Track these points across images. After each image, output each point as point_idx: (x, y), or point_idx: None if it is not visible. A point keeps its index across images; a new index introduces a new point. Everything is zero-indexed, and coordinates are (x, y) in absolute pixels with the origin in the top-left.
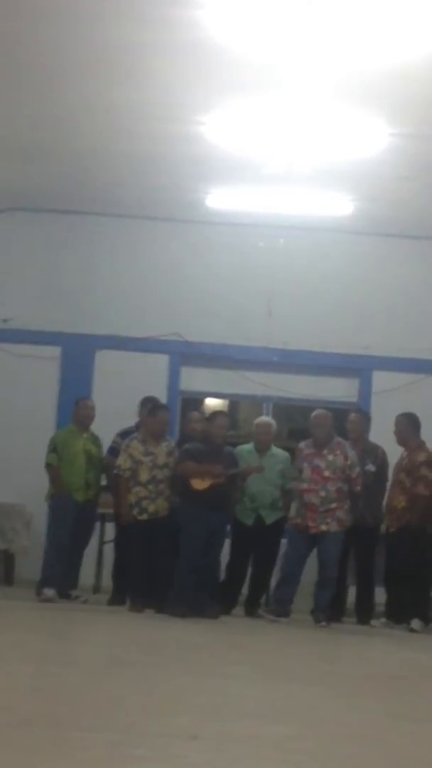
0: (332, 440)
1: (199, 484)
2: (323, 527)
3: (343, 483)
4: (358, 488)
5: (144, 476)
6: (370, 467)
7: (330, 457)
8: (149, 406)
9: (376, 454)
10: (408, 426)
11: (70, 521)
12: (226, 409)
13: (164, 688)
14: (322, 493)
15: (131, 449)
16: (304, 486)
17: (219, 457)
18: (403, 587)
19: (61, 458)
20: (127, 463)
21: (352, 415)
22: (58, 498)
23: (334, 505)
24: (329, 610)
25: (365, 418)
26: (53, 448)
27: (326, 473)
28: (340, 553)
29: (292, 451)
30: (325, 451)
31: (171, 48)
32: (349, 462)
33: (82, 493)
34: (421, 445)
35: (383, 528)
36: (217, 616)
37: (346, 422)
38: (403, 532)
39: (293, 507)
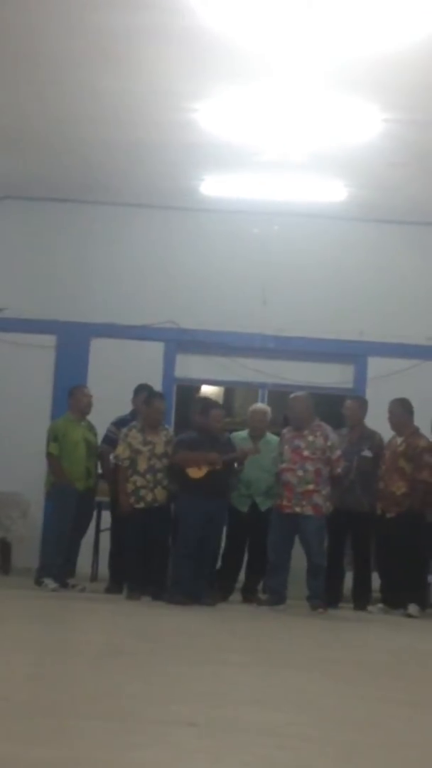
0: (313, 422)
1: (196, 472)
2: (297, 509)
3: (323, 465)
4: (339, 471)
5: (142, 465)
6: (367, 453)
7: (310, 438)
8: (144, 394)
9: (373, 440)
10: (402, 412)
11: (72, 510)
12: (221, 396)
13: (162, 676)
14: (300, 473)
15: (130, 438)
16: (283, 466)
17: (215, 445)
18: (399, 572)
19: (62, 447)
20: (126, 452)
21: (349, 402)
22: (60, 487)
23: (311, 487)
24: (325, 596)
25: (362, 404)
26: (54, 437)
27: (305, 453)
28: (323, 539)
29: None
30: (305, 432)
31: (165, 35)
32: (329, 443)
33: (82, 482)
34: (417, 431)
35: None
36: (214, 603)
37: (343, 408)
38: (402, 517)
39: None
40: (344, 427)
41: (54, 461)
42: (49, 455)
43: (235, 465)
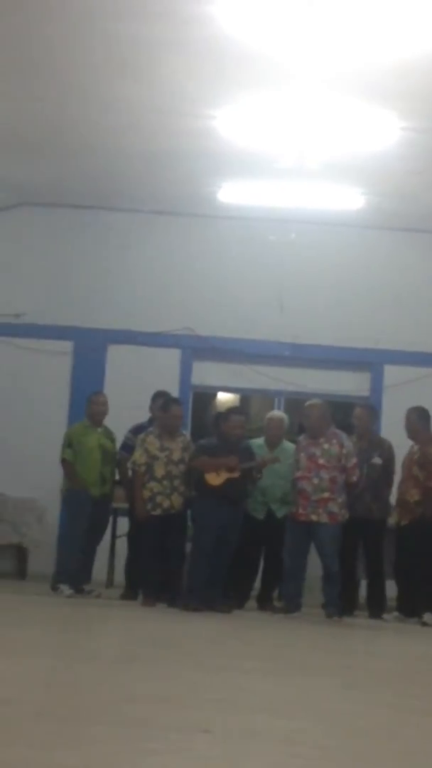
0: (328, 430)
1: (214, 479)
2: (313, 517)
3: (338, 473)
4: (354, 479)
5: (159, 471)
6: (377, 460)
7: (325, 446)
8: (161, 401)
9: (383, 448)
10: (418, 420)
11: (85, 516)
12: (237, 403)
13: (177, 683)
14: (315, 481)
15: (147, 444)
16: (298, 474)
17: (235, 452)
18: (414, 581)
19: (77, 453)
20: (143, 458)
21: (357, 410)
22: (74, 492)
23: (326, 495)
24: (340, 604)
25: (371, 412)
26: (68, 443)
27: (321, 461)
28: (338, 547)
29: None
30: (321, 440)
31: (183, 43)
32: (344, 451)
33: (97, 488)
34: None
35: (393, 521)
36: (229, 610)
37: (352, 416)
38: (415, 525)
39: None
40: (353, 435)
41: (68, 467)
42: (63, 461)
43: (253, 473)
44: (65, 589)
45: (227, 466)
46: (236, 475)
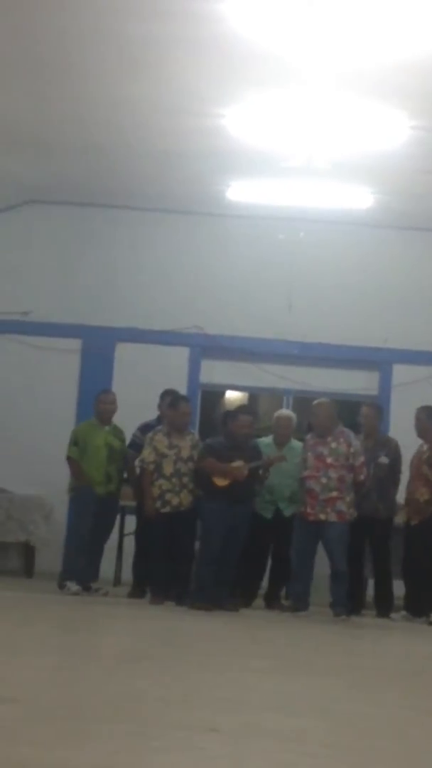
0: (336, 429)
1: (221, 480)
2: (322, 516)
3: (346, 472)
4: (362, 477)
5: (168, 469)
6: (384, 459)
7: (333, 445)
8: (169, 399)
9: (389, 447)
10: (427, 419)
11: (91, 513)
12: (246, 402)
13: (184, 681)
14: (323, 480)
15: (156, 442)
16: (306, 473)
17: (242, 451)
18: (422, 580)
19: (82, 451)
20: (152, 456)
21: (364, 409)
22: (80, 490)
23: (334, 494)
24: (348, 603)
25: (378, 411)
26: (74, 440)
27: (329, 460)
28: (347, 545)
29: None
30: (329, 439)
31: (192, 42)
32: (352, 450)
33: (102, 486)
34: None
35: (401, 520)
36: (237, 609)
37: (358, 415)
38: (425, 524)
39: None
40: (360, 434)
41: (73, 464)
42: (68, 458)
43: (260, 472)
44: (72, 585)
45: (234, 477)
46: (244, 477)
